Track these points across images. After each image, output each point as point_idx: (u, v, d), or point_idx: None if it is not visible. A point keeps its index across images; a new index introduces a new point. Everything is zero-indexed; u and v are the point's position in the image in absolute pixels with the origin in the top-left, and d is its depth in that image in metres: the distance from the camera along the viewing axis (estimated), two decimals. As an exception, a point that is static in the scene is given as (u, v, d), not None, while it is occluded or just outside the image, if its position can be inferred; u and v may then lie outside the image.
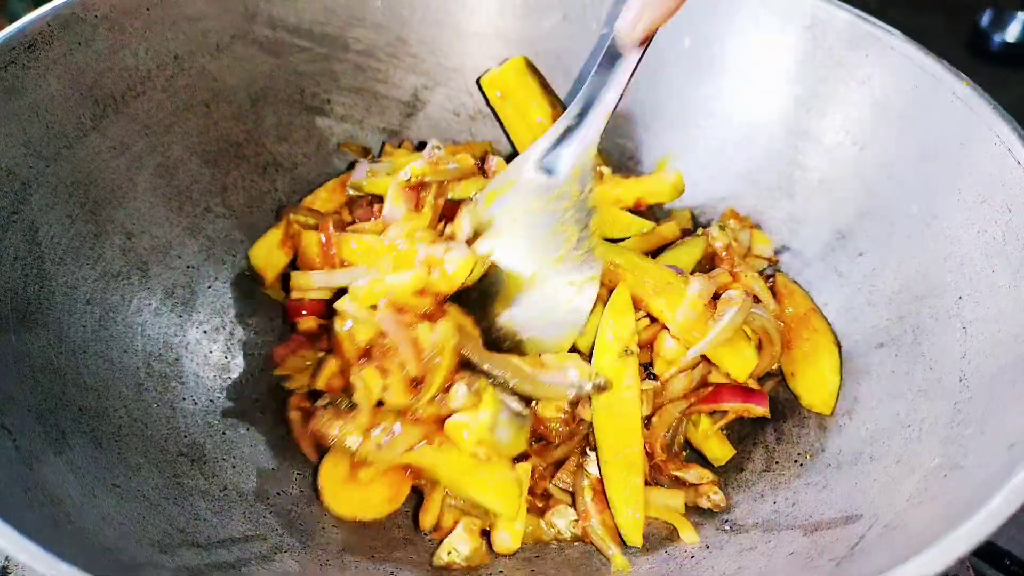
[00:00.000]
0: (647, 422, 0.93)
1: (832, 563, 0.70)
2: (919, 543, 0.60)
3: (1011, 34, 1.58)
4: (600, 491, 0.89)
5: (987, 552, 0.95)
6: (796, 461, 0.90)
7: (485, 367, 0.87)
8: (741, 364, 0.93)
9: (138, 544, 0.72)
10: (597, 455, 0.89)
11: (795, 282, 1.02)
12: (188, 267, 1.01)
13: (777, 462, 0.91)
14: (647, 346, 0.95)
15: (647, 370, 0.94)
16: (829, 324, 0.98)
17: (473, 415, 0.83)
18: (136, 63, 0.96)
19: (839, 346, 0.96)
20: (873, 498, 0.76)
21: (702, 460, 0.95)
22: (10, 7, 1.47)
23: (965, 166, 0.87)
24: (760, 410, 0.93)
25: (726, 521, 0.87)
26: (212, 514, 0.82)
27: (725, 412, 0.95)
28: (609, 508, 0.87)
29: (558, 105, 1.13)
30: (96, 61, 0.92)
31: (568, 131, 0.92)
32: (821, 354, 0.97)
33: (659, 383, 0.93)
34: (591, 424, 0.89)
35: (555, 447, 0.91)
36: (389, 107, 1.16)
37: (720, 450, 0.95)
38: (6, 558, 0.82)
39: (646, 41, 0.86)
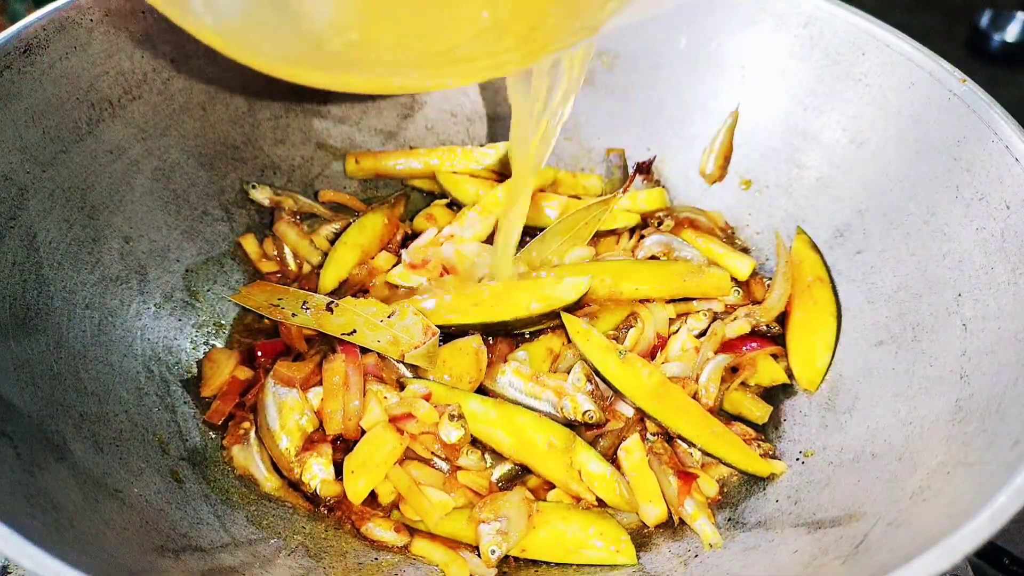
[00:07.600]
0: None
1: (837, 561, 0.70)
2: (925, 541, 0.60)
3: (1010, 34, 1.59)
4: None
5: (986, 551, 0.95)
6: (798, 459, 0.90)
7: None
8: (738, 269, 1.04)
9: (141, 549, 0.72)
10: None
11: (815, 248, 1.02)
12: (187, 271, 1.01)
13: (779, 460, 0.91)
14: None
15: None
16: (835, 296, 0.99)
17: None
18: (132, 66, 0.95)
19: (839, 321, 0.97)
20: (876, 496, 0.76)
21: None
22: (11, 8, 1.46)
23: (963, 163, 0.87)
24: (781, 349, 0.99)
25: (729, 519, 0.87)
26: (215, 518, 0.82)
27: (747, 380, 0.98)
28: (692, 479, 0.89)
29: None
30: (92, 65, 0.91)
31: None
32: (816, 327, 0.98)
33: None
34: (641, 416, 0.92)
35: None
36: (386, 108, 1.16)
37: (758, 408, 0.96)
38: (6, 558, 0.82)
39: None
